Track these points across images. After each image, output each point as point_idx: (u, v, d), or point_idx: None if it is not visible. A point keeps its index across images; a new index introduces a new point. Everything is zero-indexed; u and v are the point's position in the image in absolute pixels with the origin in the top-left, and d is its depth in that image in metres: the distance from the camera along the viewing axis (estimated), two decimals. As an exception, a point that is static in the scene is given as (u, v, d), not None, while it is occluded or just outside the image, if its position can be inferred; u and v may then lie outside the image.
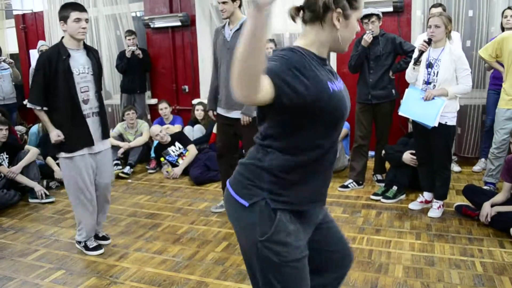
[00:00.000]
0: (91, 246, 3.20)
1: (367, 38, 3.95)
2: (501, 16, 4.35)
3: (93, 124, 3.07)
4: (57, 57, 2.89)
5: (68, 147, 3.00)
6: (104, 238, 3.37)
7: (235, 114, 3.52)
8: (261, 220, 1.40)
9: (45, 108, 2.97)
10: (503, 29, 4.33)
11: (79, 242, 3.25)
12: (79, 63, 2.97)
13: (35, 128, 5.55)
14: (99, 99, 3.11)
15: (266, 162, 1.41)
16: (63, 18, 2.89)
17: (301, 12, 1.49)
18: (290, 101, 1.29)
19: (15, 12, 7.42)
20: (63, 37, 2.98)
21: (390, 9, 4.93)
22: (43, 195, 4.36)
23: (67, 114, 2.96)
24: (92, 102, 3.05)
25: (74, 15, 2.88)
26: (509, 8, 4.26)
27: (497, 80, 4.38)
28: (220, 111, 3.63)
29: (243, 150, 3.71)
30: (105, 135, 3.17)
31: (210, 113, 3.77)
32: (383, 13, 4.22)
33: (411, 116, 3.55)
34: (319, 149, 1.42)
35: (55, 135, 2.97)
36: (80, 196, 3.08)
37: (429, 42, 3.37)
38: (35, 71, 2.93)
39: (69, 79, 2.91)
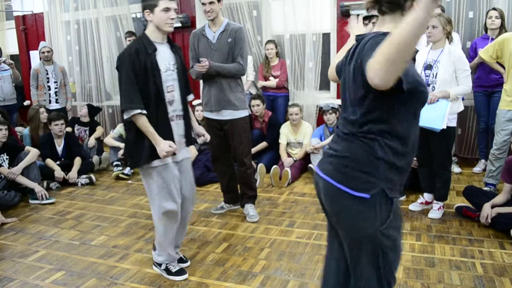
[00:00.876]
0: (174, 270, 2.79)
1: None
2: (485, 16, 4.36)
3: (177, 128, 2.68)
4: (144, 51, 2.51)
5: (152, 156, 2.56)
6: (182, 260, 2.96)
7: (225, 115, 3.53)
8: (380, 210, 1.48)
9: (144, 112, 2.49)
10: (486, 30, 4.34)
11: (159, 265, 2.84)
12: (165, 58, 2.60)
13: (27, 130, 5.55)
14: (184, 100, 2.72)
15: (379, 151, 1.47)
16: (150, 6, 2.50)
17: (377, 4, 1.55)
18: (407, 86, 1.33)
19: (15, 13, 7.43)
20: (145, 29, 2.62)
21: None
22: (44, 196, 4.36)
23: (153, 117, 2.53)
24: (176, 104, 2.66)
25: (163, 3, 2.49)
26: (493, 9, 4.28)
27: (481, 81, 4.40)
28: (209, 114, 3.61)
29: (235, 151, 3.67)
30: (188, 141, 2.81)
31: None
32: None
33: (420, 124, 3.52)
34: (413, 135, 1.53)
35: (166, 146, 2.51)
36: (165, 210, 2.67)
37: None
38: (121, 69, 2.52)
39: (157, 76, 2.54)
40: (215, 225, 3.63)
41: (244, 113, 3.59)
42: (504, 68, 3.89)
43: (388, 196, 1.48)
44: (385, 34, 1.38)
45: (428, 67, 3.43)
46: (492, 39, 4.17)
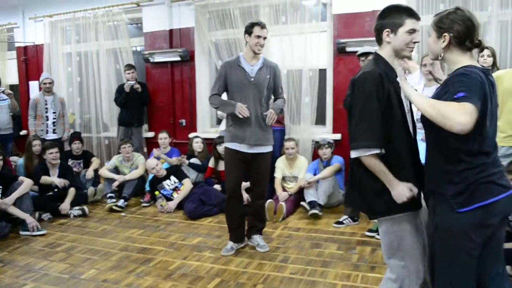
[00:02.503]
0: None
1: None
2: (478, 55, 4.43)
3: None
4: (387, 77, 2.00)
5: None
6: None
7: (258, 149, 3.55)
8: None
9: (383, 151, 1.94)
10: None
11: None
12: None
13: (21, 161, 5.54)
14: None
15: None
16: (393, 25, 2.01)
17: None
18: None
19: (17, 44, 7.55)
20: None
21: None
22: (35, 228, 4.30)
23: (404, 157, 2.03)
24: None
25: (410, 23, 2.00)
26: (486, 47, 4.36)
27: None
28: (238, 147, 3.54)
29: (255, 183, 3.71)
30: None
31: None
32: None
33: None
34: None
35: (406, 190, 1.92)
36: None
37: None
38: (365, 96, 1.94)
39: (401, 105, 2.04)
40: (207, 260, 3.57)
41: (271, 147, 3.67)
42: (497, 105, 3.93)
43: None
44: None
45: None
46: None
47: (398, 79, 1.96)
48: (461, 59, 1.82)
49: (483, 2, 4.80)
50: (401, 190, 1.91)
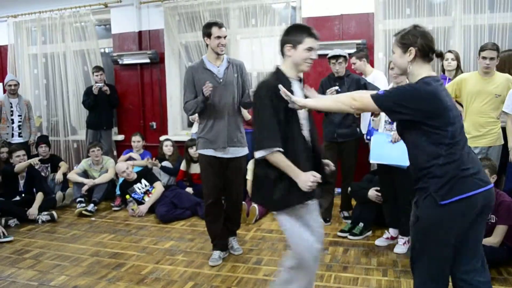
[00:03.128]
0: None
1: (330, 93, 3.99)
2: (442, 59, 4.60)
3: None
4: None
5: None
6: None
7: (231, 152, 3.46)
8: None
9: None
10: (444, 71, 4.57)
11: None
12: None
13: None
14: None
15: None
16: (294, 42, 2.32)
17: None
18: None
19: (-21, 45, 7.31)
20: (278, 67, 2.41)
21: (354, 50, 5.12)
22: (1, 234, 4.17)
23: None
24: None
25: (309, 42, 2.33)
26: (449, 51, 4.54)
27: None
28: (213, 153, 3.44)
29: (229, 187, 3.58)
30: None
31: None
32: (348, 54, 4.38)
33: (385, 161, 3.60)
34: None
35: (309, 176, 2.20)
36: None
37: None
38: (261, 105, 2.27)
39: (294, 112, 2.35)
40: (180, 264, 3.55)
41: (246, 150, 3.60)
42: (462, 106, 4.07)
43: None
44: None
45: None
46: (450, 79, 4.38)
47: (287, 99, 2.22)
48: (422, 72, 2.01)
49: (447, 7, 4.97)
50: (305, 177, 2.19)
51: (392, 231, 3.80)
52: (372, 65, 5.22)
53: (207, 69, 3.43)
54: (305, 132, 2.36)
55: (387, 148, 3.52)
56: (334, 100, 2.22)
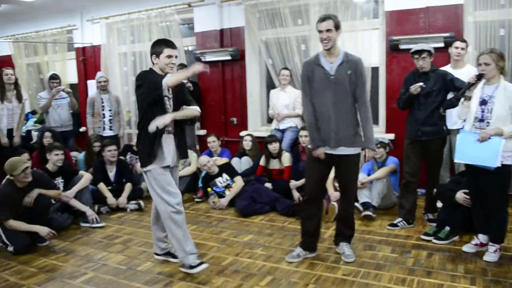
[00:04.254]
0: (194, 264, 3.23)
1: (414, 90, 3.90)
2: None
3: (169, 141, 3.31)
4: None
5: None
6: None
7: (341, 151, 3.31)
8: None
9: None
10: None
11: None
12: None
13: (81, 156, 5.82)
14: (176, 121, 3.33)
15: None
16: (156, 53, 3.19)
17: None
18: None
19: (76, 45, 7.90)
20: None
21: (441, 44, 4.87)
22: (94, 220, 4.50)
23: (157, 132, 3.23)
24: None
25: (167, 51, 3.15)
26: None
27: None
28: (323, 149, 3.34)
29: (343, 188, 3.52)
30: (181, 154, 3.42)
31: (321, 150, 3.32)
32: (434, 48, 4.16)
33: (470, 161, 3.37)
34: None
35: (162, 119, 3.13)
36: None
37: (479, 76, 3.31)
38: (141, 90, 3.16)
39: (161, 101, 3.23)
40: (259, 257, 3.60)
41: (359, 149, 3.41)
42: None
43: None
44: None
45: (483, 102, 3.34)
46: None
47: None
48: None
49: None
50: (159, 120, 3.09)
51: (481, 237, 3.56)
52: (461, 60, 4.94)
53: (320, 65, 3.30)
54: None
55: (474, 148, 3.30)
56: None
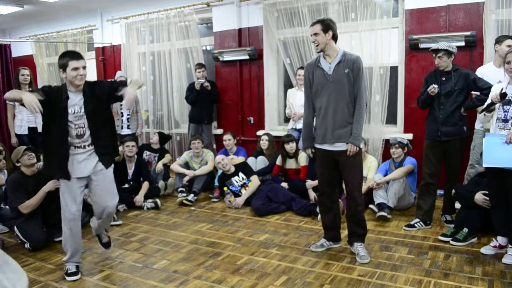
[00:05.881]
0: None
1: (431, 92, 3.86)
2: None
3: (82, 154, 3.32)
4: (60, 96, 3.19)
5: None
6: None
7: (339, 147, 3.41)
8: None
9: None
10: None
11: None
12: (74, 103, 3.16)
13: None
14: (94, 133, 3.31)
15: None
16: (62, 66, 3.07)
17: None
18: None
19: (96, 45, 8.02)
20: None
21: (462, 43, 4.79)
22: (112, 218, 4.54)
23: (54, 142, 3.24)
24: (86, 137, 3.27)
25: (72, 64, 3.04)
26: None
27: None
28: (321, 146, 3.49)
29: (346, 184, 3.55)
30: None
31: (309, 151, 3.63)
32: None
33: (500, 165, 3.25)
34: None
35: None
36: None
37: (503, 95, 3.22)
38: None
39: (63, 116, 3.17)
40: (274, 257, 3.59)
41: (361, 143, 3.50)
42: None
43: None
44: None
45: (508, 102, 3.26)
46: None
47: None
48: None
49: None
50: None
51: (500, 240, 3.49)
52: (482, 59, 4.84)
53: (319, 66, 3.42)
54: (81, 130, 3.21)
55: (502, 150, 3.20)
56: None
